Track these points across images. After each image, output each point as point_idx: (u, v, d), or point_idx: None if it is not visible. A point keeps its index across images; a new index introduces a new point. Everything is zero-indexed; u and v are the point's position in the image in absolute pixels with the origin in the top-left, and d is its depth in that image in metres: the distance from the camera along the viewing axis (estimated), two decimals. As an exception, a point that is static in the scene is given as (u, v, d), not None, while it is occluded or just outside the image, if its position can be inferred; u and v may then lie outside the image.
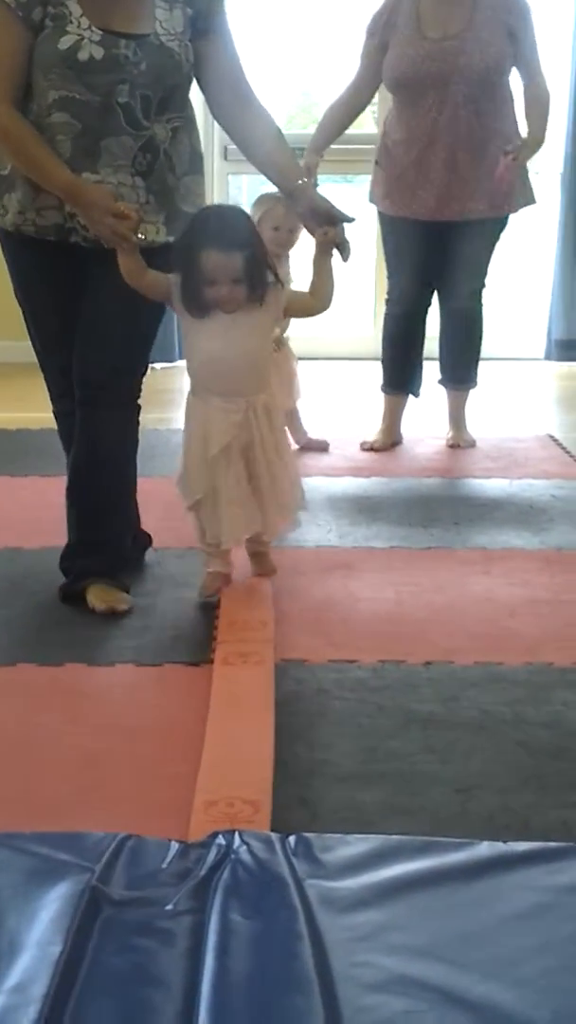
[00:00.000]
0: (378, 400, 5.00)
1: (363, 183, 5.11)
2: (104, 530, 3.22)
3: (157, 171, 3.01)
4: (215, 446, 3.03)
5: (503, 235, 4.75)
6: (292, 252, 4.34)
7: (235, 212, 3.15)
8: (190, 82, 3.07)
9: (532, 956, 1.77)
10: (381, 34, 4.55)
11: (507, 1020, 1.62)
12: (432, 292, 4.84)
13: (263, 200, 4.32)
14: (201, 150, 3.18)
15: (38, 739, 2.50)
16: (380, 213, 4.77)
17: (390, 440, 4.91)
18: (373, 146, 4.81)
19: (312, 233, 3.08)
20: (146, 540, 3.49)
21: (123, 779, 2.35)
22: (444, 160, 4.51)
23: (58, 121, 2.91)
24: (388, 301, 4.88)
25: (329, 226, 3.02)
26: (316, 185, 4.31)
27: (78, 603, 3.13)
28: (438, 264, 4.71)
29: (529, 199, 4.70)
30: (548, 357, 6.65)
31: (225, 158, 6.39)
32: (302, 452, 4.65)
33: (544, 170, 5.39)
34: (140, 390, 3.21)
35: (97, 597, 3.12)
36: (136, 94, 2.93)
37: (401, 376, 4.92)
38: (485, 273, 4.79)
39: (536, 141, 4.57)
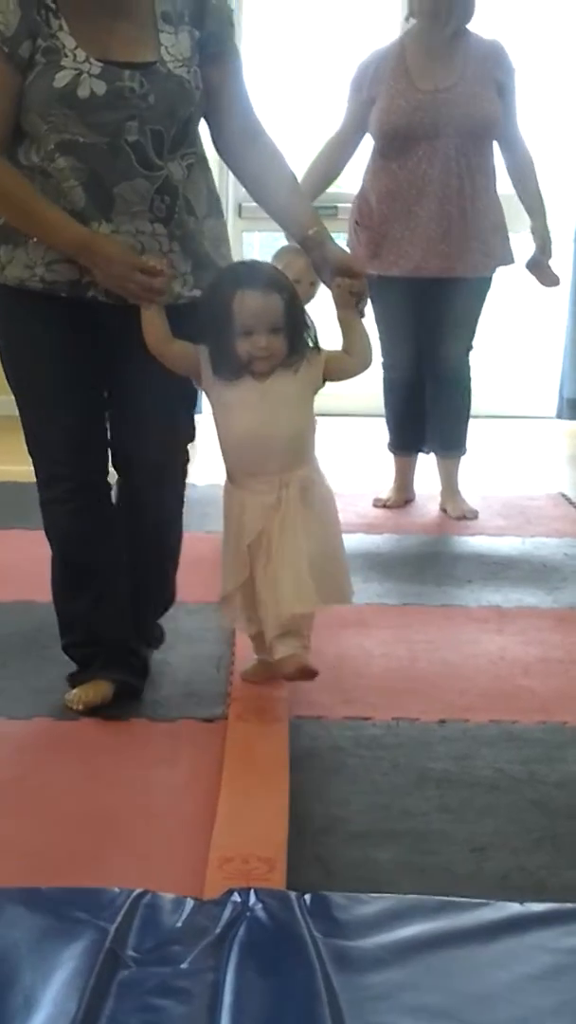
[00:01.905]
0: (386, 455, 4.99)
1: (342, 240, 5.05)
2: (153, 618, 3.05)
3: (178, 215, 2.69)
4: (248, 535, 2.76)
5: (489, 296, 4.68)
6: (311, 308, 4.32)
7: (267, 263, 2.98)
8: (201, 114, 2.75)
9: (548, 1018, 1.76)
10: (368, 88, 4.45)
11: None
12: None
13: (283, 253, 4.27)
14: (216, 190, 2.87)
15: (53, 793, 2.50)
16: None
17: (403, 497, 4.89)
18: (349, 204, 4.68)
19: (327, 285, 2.84)
20: (160, 634, 3.16)
21: (138, 834, 2.35)
22: (433, 213, 4.42)
23: (64, 167, 2.59)
24: (385, 367, 4.72)
25: (343, 278, 2.75)
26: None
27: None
28: (426, 326, 4.64)
29: (508, 259, 4.69)
30: (560, 416, 6.65)
31: (239, 215, 6.41)
32: None
33: (554, 229, 5.44)
34: (188, 457, 2.99)
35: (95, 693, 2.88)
36: (146, 131, 2.61)
37: (408, 437, 4.86)
38: (474, 334, 4.70)
39: (545, 230, 4.59)
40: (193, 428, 2.94)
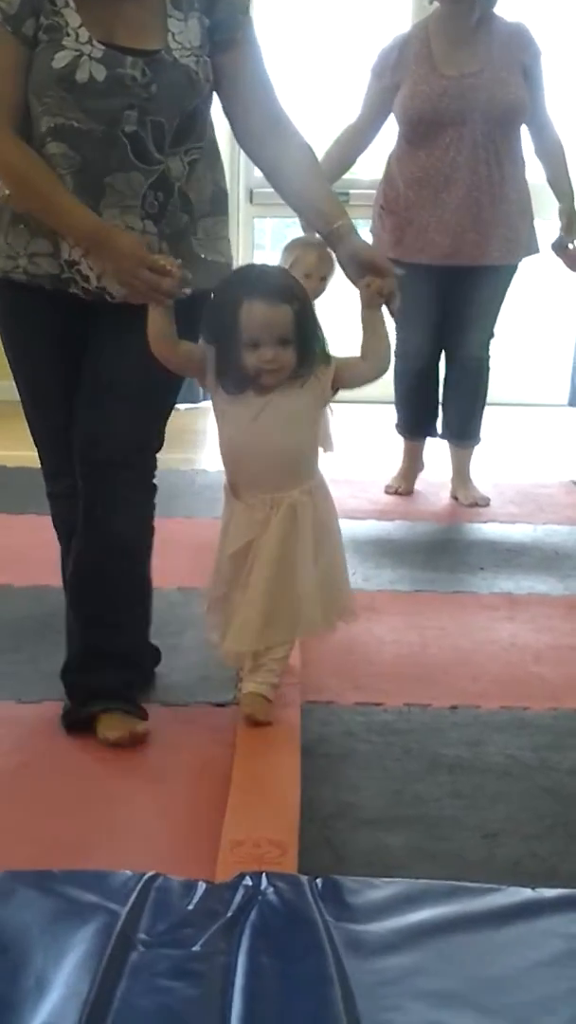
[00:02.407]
0: (395, 441, 4.97)
1: (362, 228, 5.03)
2: (119, 638, 2.73)
3: (170, 213, 2.56)
4: (231, 544, 2.66)
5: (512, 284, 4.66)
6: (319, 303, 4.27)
7: (279, 269, 2.76)
8: (210, 105, 2.62)
9: (560, 1003, 1.76)
10: (391, 74, 4.41)
11: (536, 1067, 1.62)
12: (441, 344, 4.71)
13: (293, 246, 4.22)
14: (226, 186, 2.74)
15: (66, 778, 2.51)
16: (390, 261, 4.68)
17: (412, 483, 4.89)
18: (372, 191, 4.65)
19: (353, 283, 2.64)
20: (156, 654, 2.98)
21: (150, 819, 2.36)
22: (461, 201, 4.39)
23: (55, 153, 2.47)
24: (400, 356, 4.51)
25: (373, 277, 2.58)
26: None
27: (86, 731, 2.67)
28: (449, 314, 4.62)
29: (533, 248, 4.67)
30: (571, 403, 6.65)
31: (251, 201, 6.38)
32: None
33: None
34: (155, 463, 2.75)
35: (109, 727, 2.64)
36: (146, 122, 2.48)
37: (420, 424, 4.84)
38: (495, 323, 4.68)
39: (573, 211, 4.55)
40: (163, 433, 2.71)
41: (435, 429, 4.88)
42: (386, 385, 5.15)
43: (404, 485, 4.86)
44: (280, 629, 2.67)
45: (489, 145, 4.38)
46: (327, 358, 2.64)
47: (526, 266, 4.69)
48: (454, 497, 4.83)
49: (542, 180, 4.61)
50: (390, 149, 4.59)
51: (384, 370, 2.68)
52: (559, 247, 4.58)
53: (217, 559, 2.71)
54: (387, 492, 4.84)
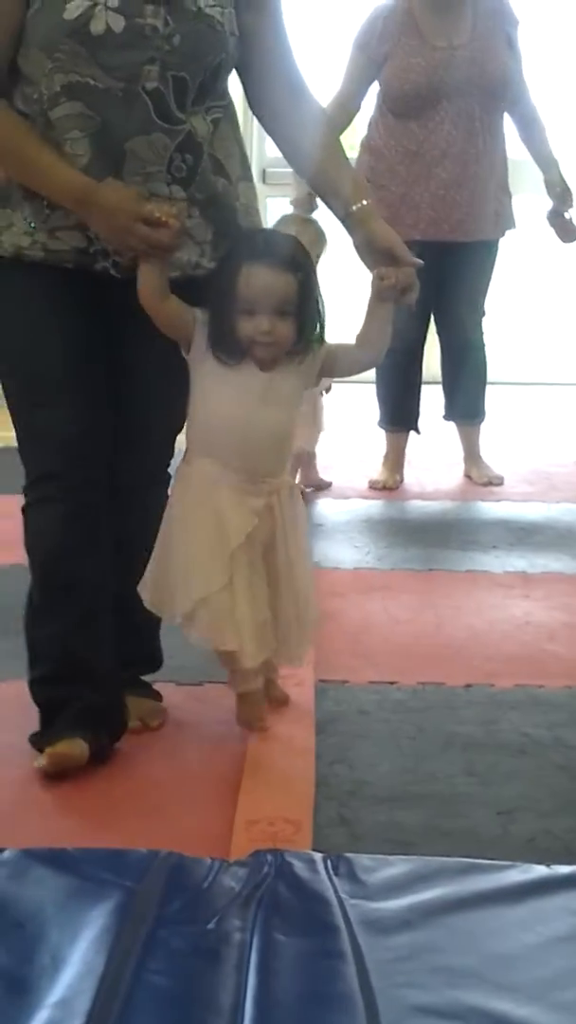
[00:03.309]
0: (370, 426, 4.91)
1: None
2: (140, 631, 2.63)
3: (201, 176, 2.35)
4: (236, 535, 2.39)
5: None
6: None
7: (290, 236, 2.50)
8: (233, 62, 2.40)
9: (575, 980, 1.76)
10: (377, 45, 4.36)
11: (550, 1043, 1.62)
12: (429, 323, 4.66)
13: (285, 221, 4.18)
14: (246, 149, 2.53)
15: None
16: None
17: (396, 477, 4.79)
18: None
19: (369, 269, 2.44)
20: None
21: (164, 797, 2.36)
22: (456, 175, 4.36)
23: (70, 114, 2.24)
24: None
25: (389, 267, 2.38)
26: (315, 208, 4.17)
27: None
28: (440, 292, 4.54)
29: (512, 223, 4.64)
30: (585, 382, 6.65)
31: (264, 181, 6.34)
32: (314, 492, 4.57)
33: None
34: None
35: (137, 713, 2.59)
36: (168, 77, 2.26)
37: (404, 413, 4.76)
38: (485, 299, 4.65)
39: (562, 180, 4.54)
40: (184, 418, 2.52)
41: (416, 422, 4.80)
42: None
43: (390, 480, 4.77)
44: (307, 625, 2.56)
45: (484, 118, 4.35)
46: (322, 339, 2.44)
47: (537, 243, 4.68)
48: (467, 476, 4.83)
49: (517, 156, 4.59)
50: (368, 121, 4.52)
51: (376, 361, 2.57)
52: (554, 216, 4.56)
53: (195, 551, 2.42)
54: (372, 487, 4.73)
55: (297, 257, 2.36)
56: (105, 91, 2.24)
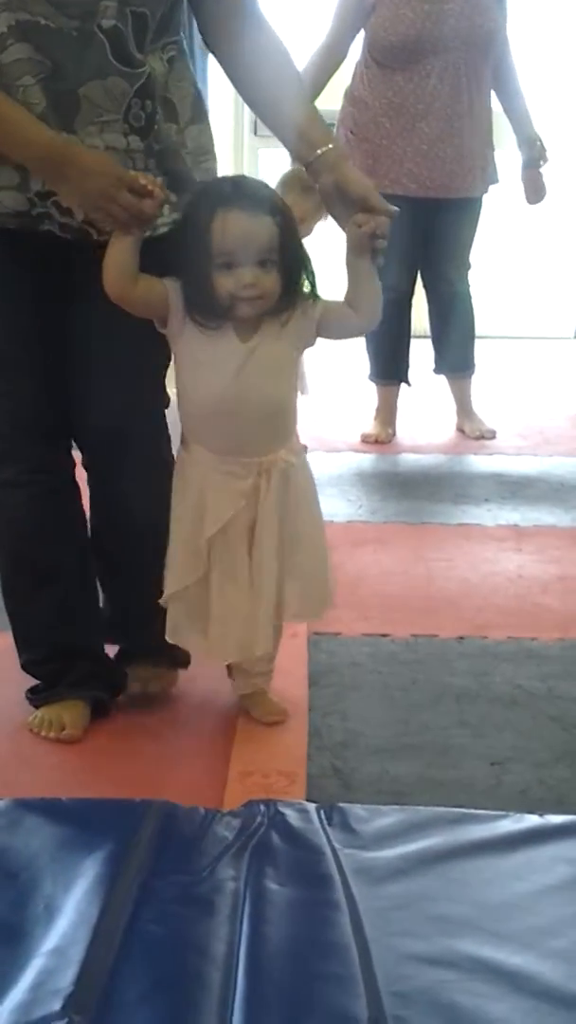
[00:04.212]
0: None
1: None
2: (145, 603, 2.33)
3: (158, 125, 2.11)
4: (211, 525, 2.21)
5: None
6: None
7: (259, 180, 2.24)
8: None
9: (568, 927, 1.76)
10: None
11: (543, 990, 1.62)
12: (416, 276, 4.64)
13: (285, 184, 4.11)
14: (200, 89, 2.26)
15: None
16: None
17: (390, 430, 4.80)
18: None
19: (339, 223, 2.22)
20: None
21: (159, 748, 2.35)
22: (441, 130, 4.32)
23: (19, 58, 1.99)
24: None
25: (363, 213, 2.15)
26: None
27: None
28: (425, 248, 4.52)
29: (495, 178, 4.61)
30: (578, 336, 6.64)
31: (255, 132, 6.29)
32: None
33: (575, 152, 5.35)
34: (168, 432, 2.39)
35: (141, 677, 2.51)
36: (127, 13, 2.02)
37: (394, 365, 4.76)
38: (470, 253, 4.63)
39: (539, 136, 4.51)
40: (161, 393, 2.36)
41: (407, 374, 4.79)
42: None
43: (382, 433, 4.77)
44: (305, 599, 2.35)
45: (470, 73, 4.31)
46: (315, 295, 2.21)
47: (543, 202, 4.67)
48: (460, 430, 4.82)
49: (501, 109, 4.56)
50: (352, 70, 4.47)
51: (373, 324, 2.29)
52: (528, 172, 4.54)
53: (175, 540, 2.27)
54: (365, 441, 4.73)
55: (274, 200, 2.13)
56: (57, 31, 2.00)
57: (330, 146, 2.20)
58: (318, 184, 2.22)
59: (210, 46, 2.24)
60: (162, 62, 2.12)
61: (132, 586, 2.43)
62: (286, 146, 2.26)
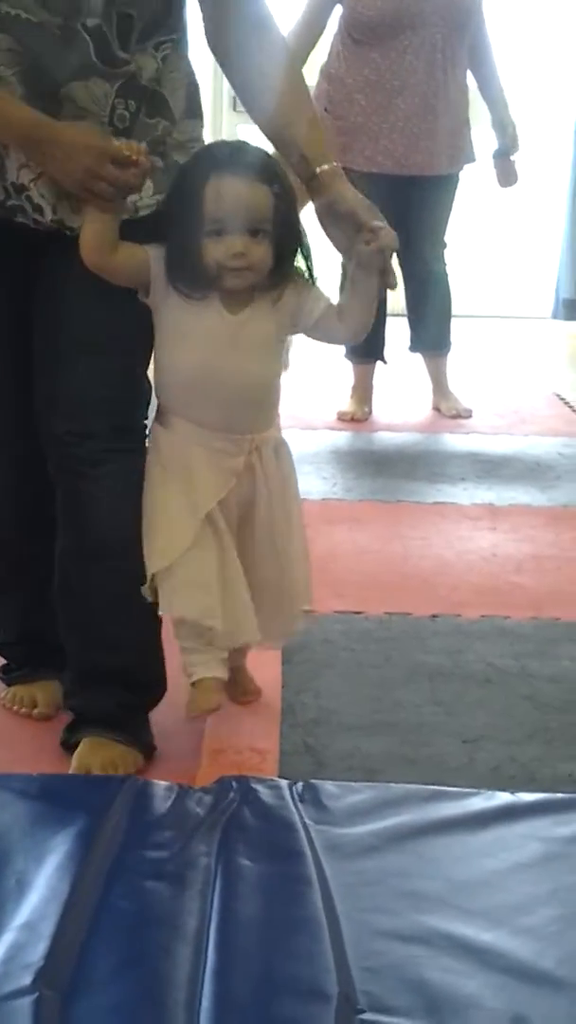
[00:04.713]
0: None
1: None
2: (113, 652, 2.19)
3: (141, 122, 2.03)
4: (206, 500, 2.09)
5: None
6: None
7: (257, 147, 2.07)
8: None
9: (538, 904, 1.77)
10: None
11: (513, 966, 1.63)
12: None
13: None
14: (197, 82, 2.15)
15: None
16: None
17: (365, 409, 4.77)
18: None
19: (335, 244, 2.12)
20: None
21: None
22: (416, 107, 4.29)
23: None
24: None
25: (370, 233, 2.02)
26: None
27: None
28: (400, 227, 4.47)
29: (472, 156, 4.61)
30: (556, 316, 6.62)
31: (234, 108, 6.24)
32: None
33: (555, 129, 5.35)
34: (146, 433, 2.19)
35: (90, 753, 2.14)
36: (112, 13, 1.94)
37: (371, 344, 4.66)
38: (446, 232, 4.62)
39: (512, 121, 4.50)
40: (144, 389, 2.16)
41: (383, 351, 4.76)
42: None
43: (359, 411, 4.75)
44: (296, 601, 2.30)
45: (447, 50, 4.28)
46: (311, 277, 2.11)
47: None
48: (436, 409, 4.82)
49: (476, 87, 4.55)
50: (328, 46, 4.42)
51: (356, 340, 2.23)
52: (500, 157, 4.54)
53: (159, 518, 2.10)
54: (341, 419, 4.70)
55: (271, 167, 2.01)
56: (39, 26, 1.91)
57: (327, 167, 2.10)
58: (313, 200, 2.11)
59: (216, 53, 2.15)
60: (154, 59, 2.02)
61: (106, 629, 2.19)
62: (284, 157, 2.13)
